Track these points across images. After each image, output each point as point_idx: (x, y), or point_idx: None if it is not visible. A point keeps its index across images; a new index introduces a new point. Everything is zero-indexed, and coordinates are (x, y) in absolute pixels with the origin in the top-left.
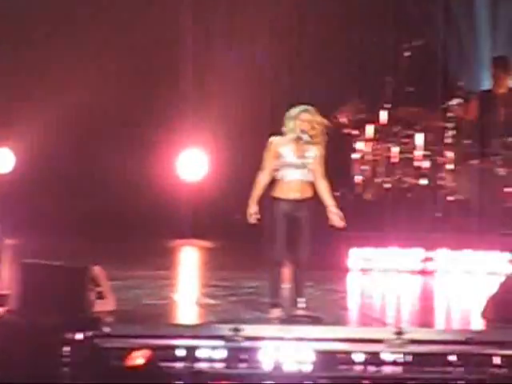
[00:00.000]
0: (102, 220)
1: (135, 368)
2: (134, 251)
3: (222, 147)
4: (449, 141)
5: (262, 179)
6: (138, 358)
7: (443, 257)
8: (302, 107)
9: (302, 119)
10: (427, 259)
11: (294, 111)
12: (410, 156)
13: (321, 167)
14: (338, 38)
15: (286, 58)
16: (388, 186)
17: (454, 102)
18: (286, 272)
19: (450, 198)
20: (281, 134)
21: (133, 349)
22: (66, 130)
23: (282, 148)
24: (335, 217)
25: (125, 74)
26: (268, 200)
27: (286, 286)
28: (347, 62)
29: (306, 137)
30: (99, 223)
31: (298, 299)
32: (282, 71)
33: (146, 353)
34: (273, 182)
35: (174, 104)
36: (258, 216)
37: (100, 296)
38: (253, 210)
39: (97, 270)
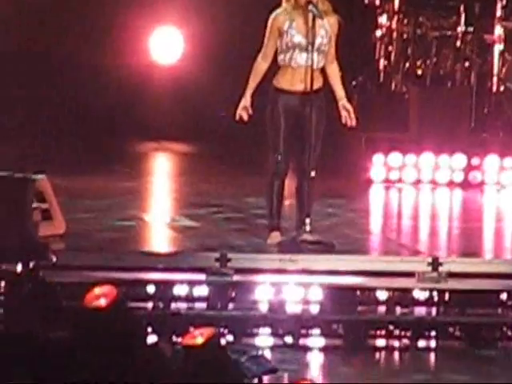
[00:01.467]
0: (53, 114)
1: (93, 309)
2: (92, 156)
3: (199, 23)
4: (499, 13)
5: (262, 65)
6: (97, 297)
7: (492, 165)
8: None
9: None
10: (471, 168)
11: None
12: (449, 33)
13: (332, 47)
14: None
15: None
16: (420, 72)
17: None
18: (290, 185)
19: (500, 89)
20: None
21: (89, 284)
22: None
23: (287, 25)
24: (345, 113)
25: None
26: (266, 91)
27: (289, 203)
28: None
29: (314, 9)
30: (48, 118)
31: (306, 220)
32: None
33: (107, 289)
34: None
35: None
36: (250, 112)
37: (46, 215)
38: (247, 102)
39: (42, 181)
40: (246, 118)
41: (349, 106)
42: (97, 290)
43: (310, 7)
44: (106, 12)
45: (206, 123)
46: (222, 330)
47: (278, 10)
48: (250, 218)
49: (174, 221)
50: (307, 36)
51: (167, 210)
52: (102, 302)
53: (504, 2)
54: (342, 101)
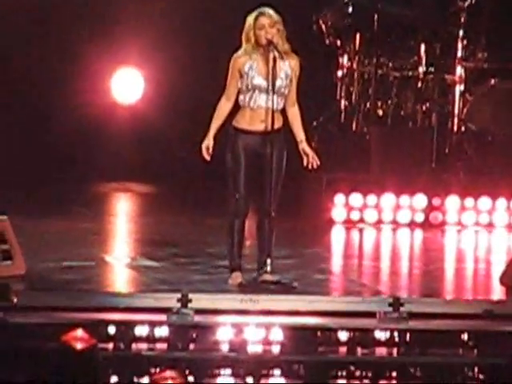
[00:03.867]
0: (11, 154)
1: (57, 350)
2: (51, 196)
3: (159, 65)
4: (460, 54)
5: (226, 105)
6: (75, 339)
7: (453, 206)
8: (256, 11)
9: (260, 26)
10: (432, 209)
11: (249, 19)
12: (410, 74)
13: (293, 90)
14: None
15: None
16: (381, 113)
17: (466, 1)
18: (251, 225)
19: (461, 129)
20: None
21: (51, 325)
22: None
23: (247, 66)
24: (306, 157)
25: None
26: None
27: (250, 244)
28: None
29: (275, 50)
30: (6, 158)
31: (266, 260)
32: None
33: (85, 334)
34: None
35: (106, 16)
36: (211, 152)
37: (6, 256)
38: (210, 142)
39: (3, 222)
40: (208, 158)
41: (308, 150)
42: (77, 333)
43: (271, 48)
44: (67, 52)
45: (166, 163)
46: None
47: (239, 52)
48: (211, 258)
49: (134, 261)
50: (267, 77)
51: (128, 250)
52: (79, 346)
53: (465, 43)
54: (302, 144)
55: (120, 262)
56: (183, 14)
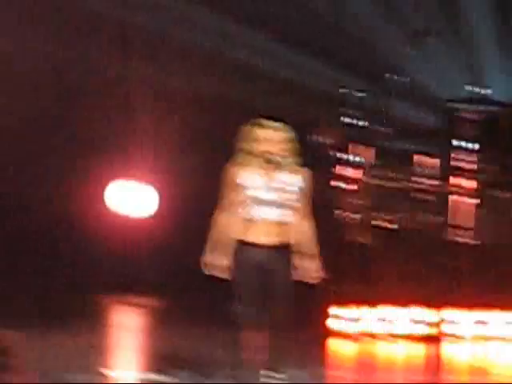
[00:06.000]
0: (12, 265)
1: None
2: (54, 308)
3: (173, 180)
4: (464, 166)
5: (222, 220)
6: None
7: (453, 319)
8: (258, 121)
9: (261, 137)
10: (433, 323)
11: (250, 129)
12: (410, 185)
13: (305, 202)
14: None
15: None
16: (382, 223)
17: (473, 114)
18: (257, 338)
19: (463, 241)
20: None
21: None
22: None
23: (245, 178)
24: (312, 272)
25: (56, 95)
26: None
27: (254, 357)
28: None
29: (276, 159)
30: (8, 268)
31: (271, 374)
32: (239, 80)
33: None
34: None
35: (117, 128)
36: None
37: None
38: (208, 259)
39: (7, 336)
40: (209, 273)
41: (317, 265)
42: None
43: (269, 158)
44: (71, 163)
45: (175, 277)
46: None
47: (235, 161)
48: (219, 369)
49: (140, 376)
50: (272, 190)
51: (134, 364)
52: None
53: (469, 155)
54: (310, 259)
55: (124, 377)
56: (195, 127)
